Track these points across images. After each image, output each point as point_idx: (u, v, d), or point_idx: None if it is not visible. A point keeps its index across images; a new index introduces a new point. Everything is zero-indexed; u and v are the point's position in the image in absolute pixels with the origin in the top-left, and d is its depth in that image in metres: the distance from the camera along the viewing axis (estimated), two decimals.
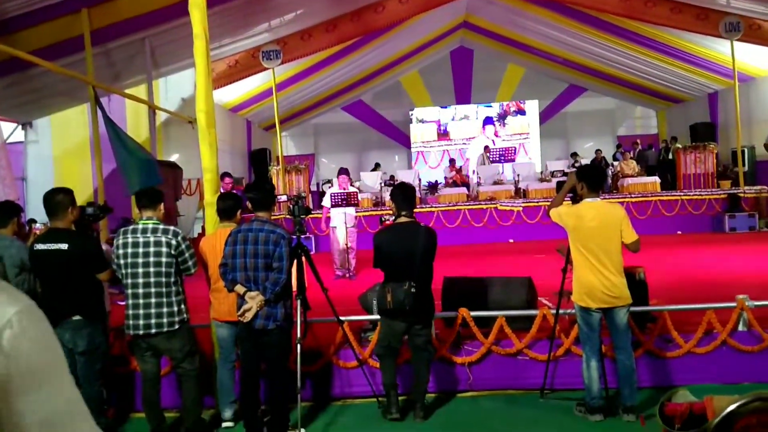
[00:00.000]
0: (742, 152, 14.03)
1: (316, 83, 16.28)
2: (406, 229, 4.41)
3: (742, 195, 13.27)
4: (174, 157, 12.17)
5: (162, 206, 4.23)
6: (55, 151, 11.42)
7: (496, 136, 20.57)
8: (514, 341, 4.85)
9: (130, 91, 10.49)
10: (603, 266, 4.12)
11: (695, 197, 13.54)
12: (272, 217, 4.27)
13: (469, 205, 13.78)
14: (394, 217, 4.61)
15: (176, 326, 4.07)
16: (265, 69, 12.60)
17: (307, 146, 21.55)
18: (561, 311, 4.77)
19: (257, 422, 4.17)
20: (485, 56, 19.50)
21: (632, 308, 4.86)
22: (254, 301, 3.94)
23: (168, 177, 10.20)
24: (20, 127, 10.74)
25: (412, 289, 4.19)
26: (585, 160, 15.97)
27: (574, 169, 4.70)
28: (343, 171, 8.90)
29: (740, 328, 4.86)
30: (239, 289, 3.98)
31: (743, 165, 13.98)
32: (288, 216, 4.40)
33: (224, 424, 4.43)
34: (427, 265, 4.40)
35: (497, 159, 16.50)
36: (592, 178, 4.32)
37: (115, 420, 4.60)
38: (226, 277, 4.04)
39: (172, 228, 4.14)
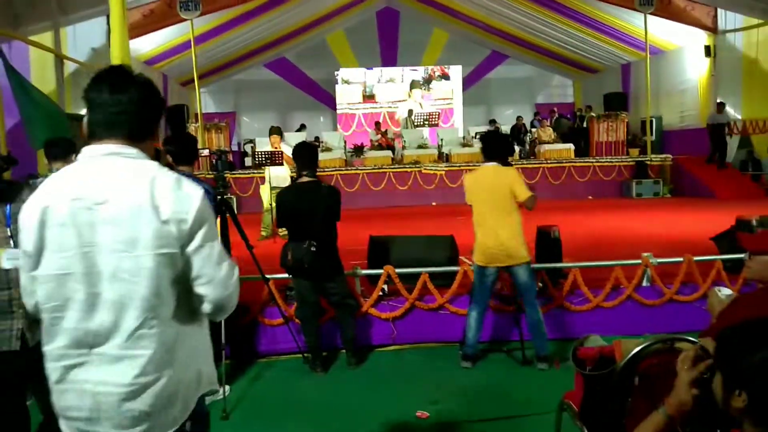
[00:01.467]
0: (651, 122, 14.86)
1: (238, 37, 15.69)
2: (308, 189, 4.40)
3: (648, 162, 14.09)
4: (83, 111, 11.44)
5: (74, 158, 3.99)
6: None
7: (424, 99, 20.68)
8: (436, 297, 4.99)
9: (35, 38, 9.71)
10: (497, 226, 4.33)
11: (606, 164, 14.27)
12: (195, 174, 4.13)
13: (394, 168, 13.89)
14: (295, 176, 4.60)
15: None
16: (183, 20, 12.01)
17: (227, 104, 20.83)
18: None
19: None
20: (411, 19, 19.43)
21: (546, 265, 5.15)
22: None
23: (78, 132, 9.61)
24: None
25: (312, 248, 4.22)
26: (505, 127, 16.39)
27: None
28: (274, 130, 8.69)
29: (644, 283, 5.22)
30: None
31: (651, 134, 14.83)
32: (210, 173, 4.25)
33: None
34: (329, 224, 4.41)
35: (422, 123, 16.67)
36: (486, 145, 4.58)
37: None
38: None
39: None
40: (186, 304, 1.65)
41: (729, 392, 1.38)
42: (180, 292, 1.62)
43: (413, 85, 20.75)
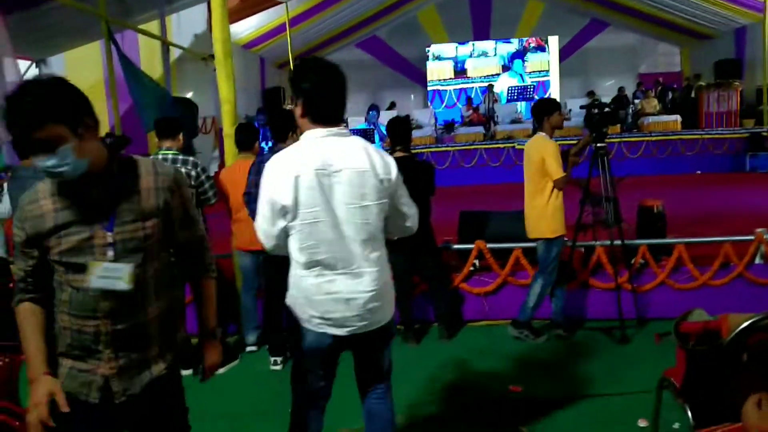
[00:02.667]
0: None
1: (330, 18, 15.91)
2: (402, 164, 4.37)
3: (765, 134, 12.98)
4: (188, 95, 12.11)
5: (181, 136, 4.25)
6: None
7: (506, 72, 20.11)
8: (529, 272, 4.90)
9: (143, 27, 10.35)
10: (528, 198, 4.42)
11: (716, 136, 13.29)
12: None
13: (486, 144, 13.66)
14: (389, 152, 4.61)
15: None
16: (278, 3, 12.31)
17: None
18: (577, 243, 4.80)
19: (281, 345, 4.32)
20: None
21: (647, 240, 4.94)
22: None
23: (184, 114, 10.19)
24: (34, 64, 10.70)
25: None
26: (605, 99, 15.64)
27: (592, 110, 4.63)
28: (372, 107, 8.95)
29: (757, 260, 4.87)
30: None
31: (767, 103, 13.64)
32: None
33: (248, 348, 4.60)
34: (424, 199, 4.39)
35: (515, 97, 16.23)
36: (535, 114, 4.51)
37: None
38: (249, 206, 4.09)
39: (191, 158, 4.17)
40: (384, 237, 2.36)
41: None
42: (383, 228, 2.32)
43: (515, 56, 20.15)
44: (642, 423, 3.12)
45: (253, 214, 4.07)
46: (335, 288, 2.21)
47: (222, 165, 10.48)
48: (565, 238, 4.50)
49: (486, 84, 17.03)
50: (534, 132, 4.59)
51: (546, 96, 19.54)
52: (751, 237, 4.87)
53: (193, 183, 4.10)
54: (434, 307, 4.77)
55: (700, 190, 9.92)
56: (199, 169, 4.15)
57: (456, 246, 5.19)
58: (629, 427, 3.13)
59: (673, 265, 4.85)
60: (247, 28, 13.70)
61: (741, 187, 10.18)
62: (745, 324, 2.07)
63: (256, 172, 4.07)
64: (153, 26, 10.68)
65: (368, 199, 2.21)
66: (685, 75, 18.78)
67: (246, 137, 4.51)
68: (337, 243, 2.19)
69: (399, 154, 4.49)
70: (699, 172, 12.89)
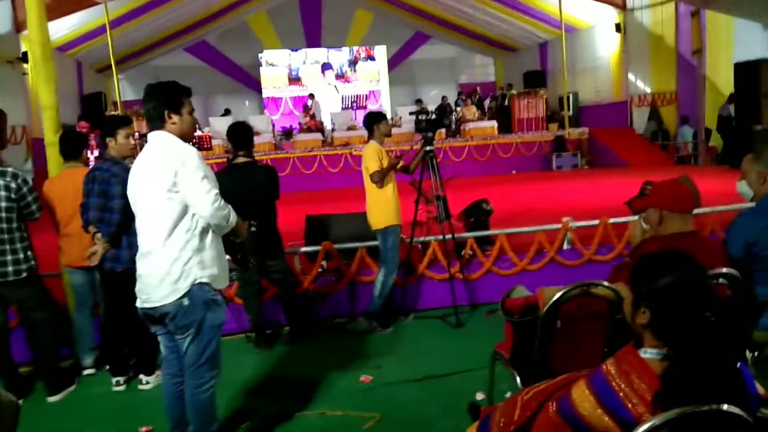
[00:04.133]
0: (568, 98, 15.58)
1: (156, 21, 15.16)
2: (245, 169, 4.44)
3: (567, 137, 14.79)
4: None
5: None
6: None
7: (340, 80, 20.68)
8: (374, 269, 5.16)
9: None
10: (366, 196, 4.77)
11: (528, 139, 14.85)
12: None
13: (325, 150, 13.93)
14: (231, 158, 4.64)
15: (23, 274, 3.80)
16: (96, 3, 11.51)
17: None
18: (414, 240, 5.17)
19: (123, 366, 4.10)
20: None
21: (475, 233, 5.46)
22: (100, 243, 3.78)
23: None
24: None
25: (252, 228, 4.28)
26: (431, 106, 16.70)
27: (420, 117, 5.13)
28: None
29: (565, 246, 5.59)
30: (91, 229, 3.81)
31: (568, 109, 15.55)
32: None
33: (85, 372, 4.29)
34: (269, 203, 4.49)
35: (349, 105, 16.73)
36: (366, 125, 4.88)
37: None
38: (83, 216, 3.85)
39: (10, 170, 3.81)
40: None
41: (636, 310, 1.63)
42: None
43: (324, 66, 20.66)
44: (480, 396, 3.47)
45: (86, 225, 3.84)
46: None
47: (36, 178, 9.53)
48: (401, 232, 4.80)
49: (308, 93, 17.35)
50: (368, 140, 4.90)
51: (377, 104, 20.40)
52: (559, 226, 5.58)
53: (13, 196, 3.74)
54: (284, 309, 4.83)
55: (516, 188, 11.03)
56: (19, 180, 3.80)
57: (303, 249, 5.30)
58: (469, 401, 3.46)
59: (497, 254, 5.40)
60: (61, 28, 12.57)
61: (549, 183, 11.49)
62: (557, 295, 2.44)
63: (86, 181, 3.84)
64: None
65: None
66: (499, 84, 20.72)
67: (72, 145, 4.21)
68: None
69: (242, 159, 4.49)
70: (514, 171, 14.31)
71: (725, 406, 1.50)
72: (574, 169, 14.23)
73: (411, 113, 5.54)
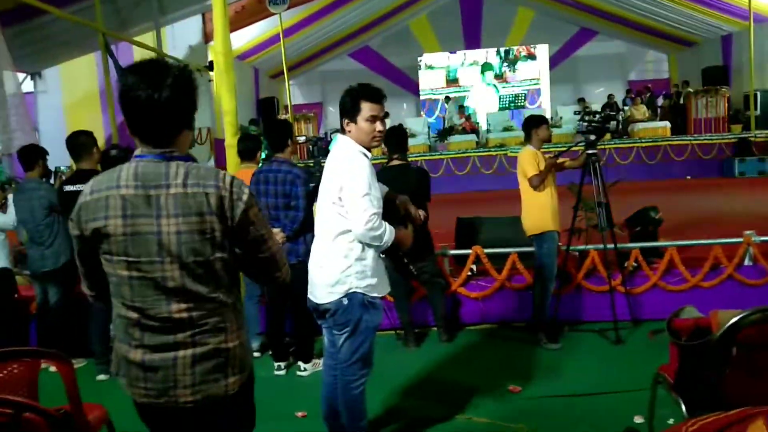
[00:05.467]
0: (755, 96, 13.91)
1: (323, 28, 16.09)
2: (398, 171, 4.52)
3: (752, 139, 13.22)
4: None
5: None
6: (65, 101, 11.49)
7: (498, 81, 20.33)
8: (525, 276, 5.02)
9: (138, 38, 10.45)
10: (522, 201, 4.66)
11: (705, 141, 13.51)
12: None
13: (479, 152, 13.83)
14: (386, 160, 4.73)
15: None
16: (272, 14, 12.46)
17: (314, 95, 21.42)
18: (571, 248, 4.93)
19: (284, 352, 4.40)
20: None
21: (643, 244, 5.08)
22: (276, 238, 4.09)
23: None
24: (29, 77, 10.77)
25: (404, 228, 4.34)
26: (595, 106, 15.85)
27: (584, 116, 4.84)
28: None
29: (746, 262, 5.00)
30: None
31: (755, 108, 13.88)
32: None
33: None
34: (420, 204, 4.51)
35: (507, 105, 16.44)
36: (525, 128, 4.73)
37: None
38: None
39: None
40: None
41: None
42: None
43: (485, 67, 20.35)
44: (638, 419, 3.23)
45: None
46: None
47: None
48: (558, 239, 4.60)
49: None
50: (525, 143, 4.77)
51: (537, 104, 19.80)
52: (740, 240, 5.00)
53: None
54: (432, 310, 4.88)
55: (689, 195, 10.10)
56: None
57: (453, 251, 5.30)
58: (625, 424, 3.23)
59: (665, 268, 4.98)
60: (240, 39, 13.84)
61: (729, 191, 10.37)
62: (734, 319, 2.19)
63: (254, 182, 4.18)
64: (148, 38, 10.79)
65: None
66: (674, 82, 19.08)
67: (250, 147, 4.61)
68: None
69: (396, 162, 4.60)
70: (688, 177, 13.10)
71: None
72: (759, 177, 12.68)
73: (575, 112, 5.24)
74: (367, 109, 2.72)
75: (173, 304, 1.68)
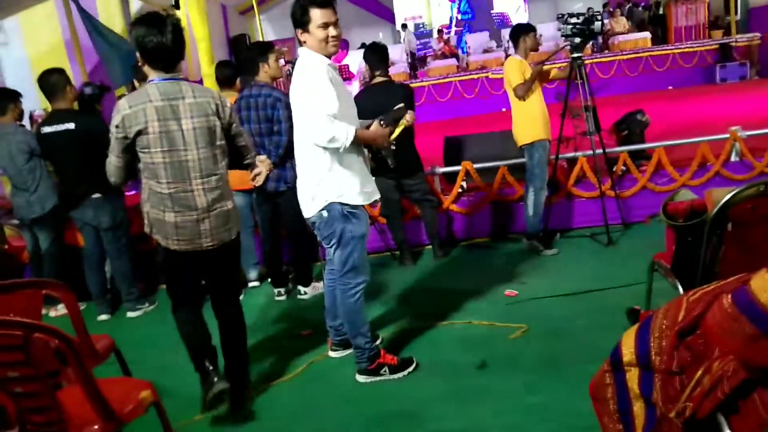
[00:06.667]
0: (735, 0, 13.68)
1: None
2: (382, 88, 4.44)
3: (733, 44, 13.09)
4: None
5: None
6: (30, 53, 11.04)
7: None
8: (516, 188, 5.04)
9: None
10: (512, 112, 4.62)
11: (686, 50, 13.35)
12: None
13: (460, 76, 13.60)
14: (368, 79, 4.65)
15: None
16: None
17: (287, 29, 20.67)
18: (560, 156, 4.93)
19: (283, 279, 4.44)
20: None
21: (630, 147, 5.09)
22: (263, 164, 4.00)
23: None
24: None
25: (392, 146, 4.29)
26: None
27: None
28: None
29: (733, 158, 5.05)
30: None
31: (735, 13, 13.67)
32: None
33: (250, 284, 4.71)
34: None
35: (498, 24, 16.01)
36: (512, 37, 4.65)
37: (145, 291, 4.85)
38: None
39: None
40: None
41: None
42: None
43: None
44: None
45: None
46: None
47: None
48: (549, 148, 4.58)
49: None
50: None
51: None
52: (726, 136, 5.03)
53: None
54: (425, 228, 4.90)
55: (673, 104, 10.06)
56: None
57: (442, 169, 5.29)
58: (622, 316, 3.32)
59: (653, 169, 5.01)
60: None
61: (712, 98, 10.33)
62: (728, 195, 2.21)
63: (236, 109, 4.07)
64: None
65: None
66: None
67: (227, 75, 4.48)
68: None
69: (379, 79, 4.51)
70: (670, 87, 13.03)
71: None
72: (741, 81, 12.63)
73: (558, 16, 5.16)
74: (317, 15, 2.73)
75: (195, 180, 2.58)
